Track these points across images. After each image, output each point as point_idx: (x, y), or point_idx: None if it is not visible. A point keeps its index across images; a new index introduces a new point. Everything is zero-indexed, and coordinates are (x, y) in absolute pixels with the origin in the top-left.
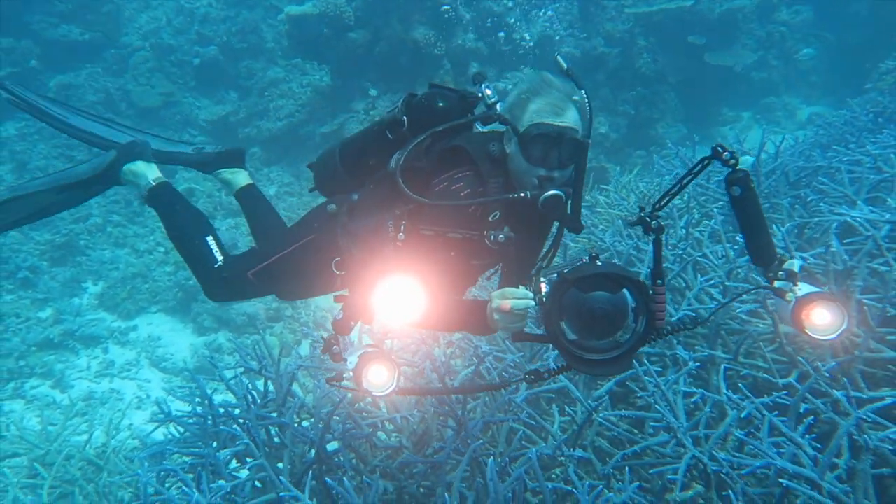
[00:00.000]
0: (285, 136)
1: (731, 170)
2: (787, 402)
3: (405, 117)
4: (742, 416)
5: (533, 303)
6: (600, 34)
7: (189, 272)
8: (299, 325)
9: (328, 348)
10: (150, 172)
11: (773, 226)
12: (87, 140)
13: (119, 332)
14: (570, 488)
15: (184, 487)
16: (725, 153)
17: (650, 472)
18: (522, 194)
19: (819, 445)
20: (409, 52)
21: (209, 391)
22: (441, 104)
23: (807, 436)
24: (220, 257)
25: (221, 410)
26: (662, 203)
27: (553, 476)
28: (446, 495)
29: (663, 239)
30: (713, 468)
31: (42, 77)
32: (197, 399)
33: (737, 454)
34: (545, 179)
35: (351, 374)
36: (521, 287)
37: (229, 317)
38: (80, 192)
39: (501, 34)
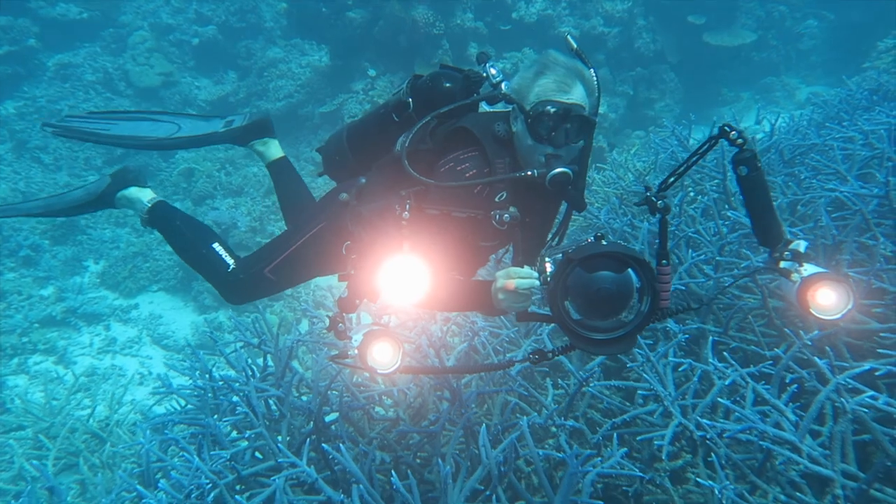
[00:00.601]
0: (285, 116)
1: (738, 149)
2: (773, 373)
3: (410, 99)
4: (726, 383)
5: (537, 282)
6: (599, 14)
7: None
8: (299, 303)
9: (334, 326)
10: (144, 195)
11: None
12: (135, 146)
13: (120, 310)
14: (560, 455)
15: (185, 454)
16: (733, 132)
17: (638, 439)
18: (530, 172)
19: (803, 413)
20: (408, 31)
21: (209, 366)
22: (447, 85)
23: (790, 404)
24: (230, 261)
25: (221, 383)
26: (669, 183)
27: (546, 446)
28: (440, 461)
29: (668, 219)
30: (699, 435)
31: (40, 56)
32: (197, 373)
33: (721, 420)
34: (553, 157)
35: (356, 351)
36: (526, 267)
37: None
38: (65, 213)
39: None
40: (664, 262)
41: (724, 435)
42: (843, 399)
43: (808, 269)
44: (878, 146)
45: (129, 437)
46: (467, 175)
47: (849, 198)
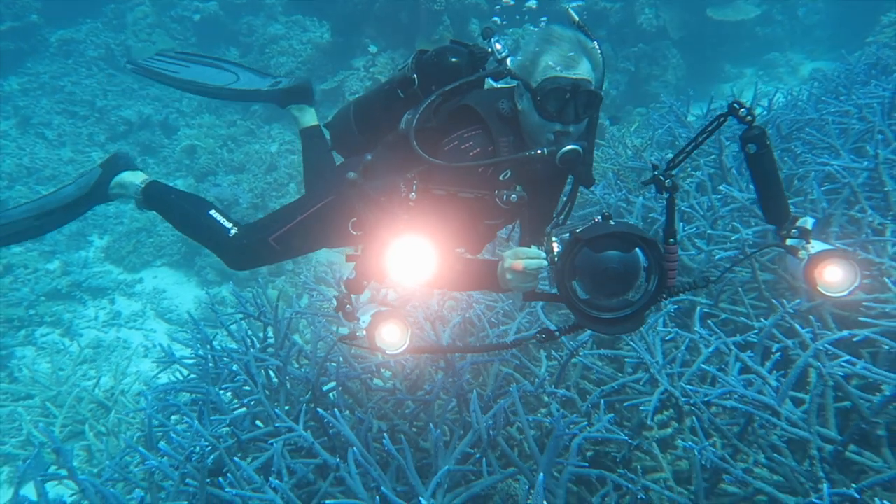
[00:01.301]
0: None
1: (747, 127)
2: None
3: (415, 76)
4: (710, 350)
5: (545, 262)
6: None
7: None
8: (300, 279)
9: (341, 307)
10: (136, 178)
11: None
12: (196, 92)
13: (125, 285)
14: (549, 420)
15: (186, 420)
16: (742, 109)
17: (625, 405)
18: (539, 151)
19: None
20: (409, 7)
21: (210, 337)
22: (452, 60)
23: (775, 371)
24: (229, 225)
25: (221, 351)
26: (677, 161)
27: (539, 414)
28: (431, 425)
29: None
30: (684, 401)
31: (42, 31)
32: (198, 344)
33: (705, 386)
34: (561, 134)
35: (364, 332)
36: (533, 247)
37: (231, 271)
38: (61, 216)
39: None
40: (671, 240)
41: (706, 399)
42: (819, 363)
43: (815, 245)
44: (872, 120)
45: (133, 406)
46: (472, 153)
47: (839, 171)
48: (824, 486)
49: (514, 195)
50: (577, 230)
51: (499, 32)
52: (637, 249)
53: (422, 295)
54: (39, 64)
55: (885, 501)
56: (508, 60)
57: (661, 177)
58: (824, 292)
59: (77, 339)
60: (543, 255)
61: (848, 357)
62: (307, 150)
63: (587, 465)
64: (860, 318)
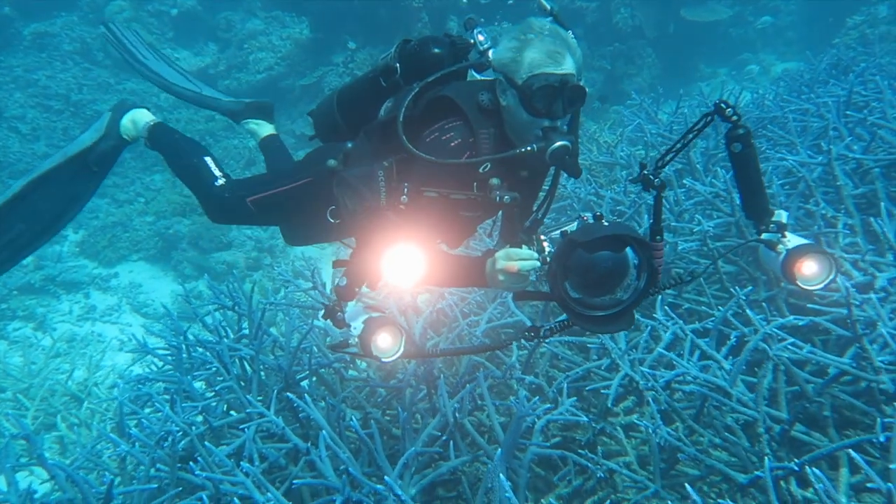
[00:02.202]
0: (265, 88)
1: (731, 126)
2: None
3: (398, 65)
4: (667, 335)
5: (538, 263)
6: None
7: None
8: (276, 272)
9: (331, 315)
10: (146, 117)
11: (720, 170)
12: (157, 83)
13: (100, 279)
14: (513, 401)
15: (157, 405)
16: (728, 109)
17: (587, 389)
18: (529, 148)
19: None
20: (388, 4)
21: (185, 327)
22: (435, 50)
23: (730, 357)
24: (218, 174)
25: (194, 340)
26: (666, 160)
27: (509, 400)
28: (400, 409)
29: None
30: (643, 384)
31: (16, 24)
32: (172, 335)
33: (663, 370)
34: (550, 130)
35: (356, 339)
36: (524, 247)
37: (209, 265)
38: (87, 174)
39: None
40: (658, 237)
41: (662, 381)
42: (765, 344)
43: (791, 239)
44: (827, 117)
45: (106, 395)
46: (453, 144)
47: (795, 166)
48: (766, 459)
49: (507, 196)
50: (571, 231)
51: (481, 24)
52: (628, 248)
53: (396, 289)
54: (13, 57)
55: (815, 469)
56: (490, 52)
57: (650, 176)
58: (802, 285)
59: (50, 332)
60: (536, 255)
61: (793, 340)
62: (269, 154)
63: (547, 444)
64: (808, 306)
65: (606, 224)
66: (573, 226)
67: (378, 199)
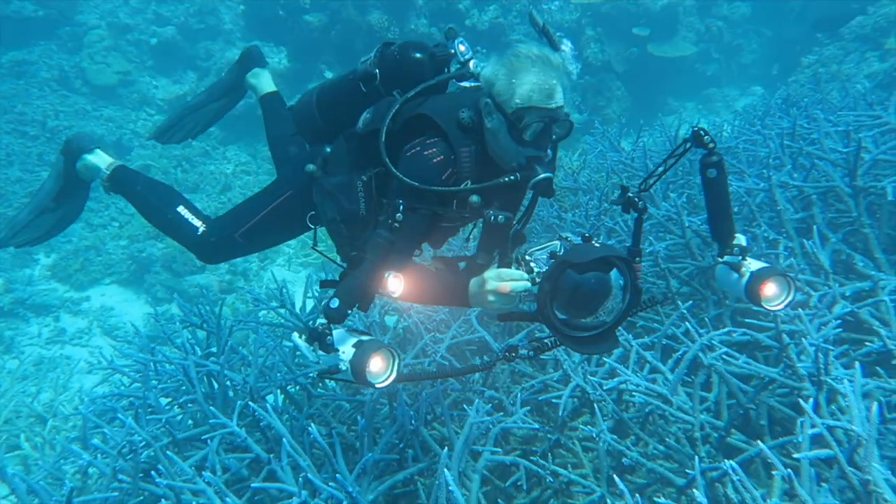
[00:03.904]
0: (243, 116)
1: (707, 152)
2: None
3: (377, 70)
4: (618, 350)
5: (529, 284)
6: (549, 23)
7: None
8: (250, 297)
9: (319, 338)
10: (101, 162)
11: (673, 195)
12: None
13: (71, 302)
14: (469, 409)
15: (120, 418)
16: (706, 136)
17: (540, 398)
18: (512, 178)
19: (688, 379)
20: (364, 35)
21: (155, 348)
22: (416, 55)
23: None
24: (197, 223)
25: (161, 357)
26: (649, 184)
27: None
28: (358, 417)
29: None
30: (591, 392)
31: None
32: (140, 352)
33: (606, 378)
34: (534, 160)
35: (346, 365)
36: (513, 267)
37: (182, 288)
38: (62, 207)
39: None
40: (637, 259)
41: (606, 388)
42: (701, 354)
43: (752, 263)
44: (771, 146)
45: (71, 412)
46: (435, 161)
47: (740, 192)
48: (696, 459)
49: (501, 216)
50: (560, 252)
51: (461, 35)
52: (615, 270)
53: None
54: None
55: (732, 462)
56: (472, 63)
57: (635, 199)
58: (766, 305)
59: (19, 356)
60: (527, 276)
61: (726, 350)
62: (268, 122)
63: (500, 451)
64: (745, 320)
65: (598, 245)
66: (553, 245)
67: (357, 210)
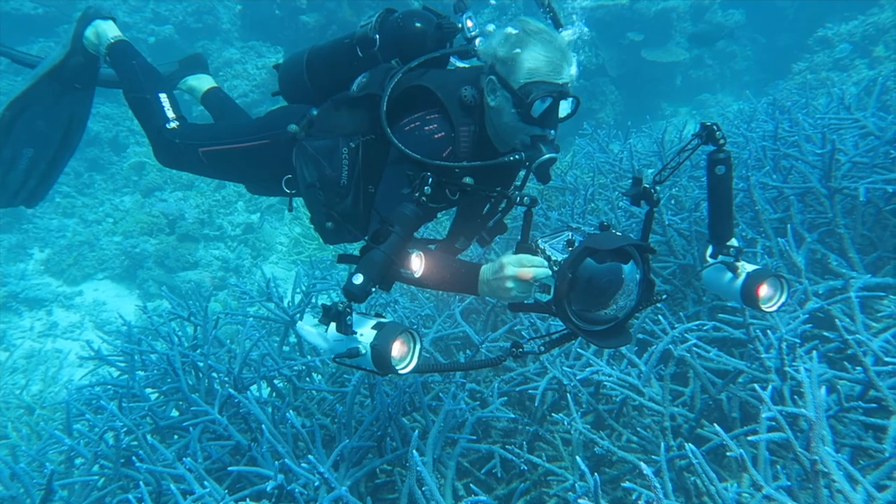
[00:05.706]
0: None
1: (716, 148)
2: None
3: (377, 36)
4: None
5: (550, 272)
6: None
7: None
8: (243, 292)
9: (339, 319)
10: (111, 31)
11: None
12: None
13: (64, 297)
14: (446, 397)
15: (103, 404)
16: (718, 132)
17: (516, 389)
18: (517, 157)
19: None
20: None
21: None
22: (417, 24)
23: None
24: (171, 116)
25: (146, 346)
26: (663, 178)
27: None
28: (338, 406)
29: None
30: (567, 383)
31: None
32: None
33: (582, 370)
34: (540, 139)
35: (366, 349)
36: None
37: (175, 284)
38: (72, 91)
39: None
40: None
41: (579, 378)
42: (671, 346)
43: (746, 265)
44: (752, 147)
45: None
46: (436, 137)
47: None
48: (662, 446)
49: (527, 198)
50: (580, 239)
51: (471, 9)
52: (631, 262)
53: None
54: None
55: (692, 446)
56: (478, 41)
57: (651, 191)
58: (761, 307)
59: (11, 349)
60: (547, 263)
61: (695, 341)
62: (217, 112)
63: (475, 437)
64: (719, 315)
65: (619, 234)
66: (565, 234)
67: (339, 178)
